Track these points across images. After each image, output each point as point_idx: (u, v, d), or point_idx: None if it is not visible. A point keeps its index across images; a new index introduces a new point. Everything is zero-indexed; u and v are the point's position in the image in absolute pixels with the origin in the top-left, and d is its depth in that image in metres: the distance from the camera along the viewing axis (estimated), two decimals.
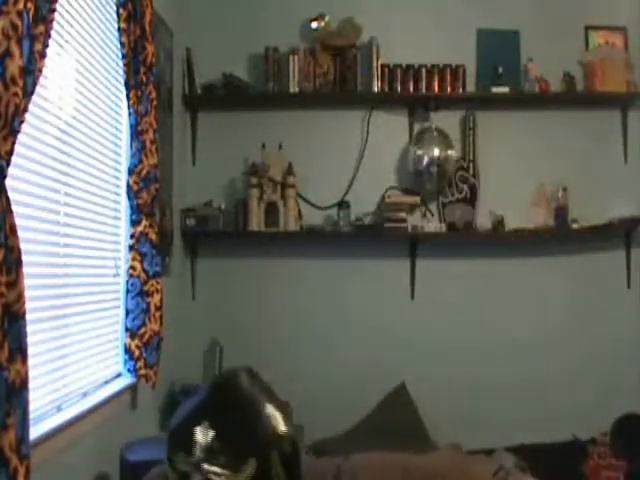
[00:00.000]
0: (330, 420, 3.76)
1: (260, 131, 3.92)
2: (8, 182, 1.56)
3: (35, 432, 1.82)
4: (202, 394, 1.35)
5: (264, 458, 0.95)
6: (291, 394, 3.27)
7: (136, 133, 2.70)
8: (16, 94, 1.52)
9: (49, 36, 1.71)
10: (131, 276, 2.74)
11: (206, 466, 0.91)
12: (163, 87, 3.34)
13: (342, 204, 3.88)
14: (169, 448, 1.24)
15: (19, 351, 1.54)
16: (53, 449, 1.97)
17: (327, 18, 3.93)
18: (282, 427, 1.10)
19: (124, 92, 2.67)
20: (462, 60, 3.95)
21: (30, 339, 1.61)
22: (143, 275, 2.75)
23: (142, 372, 2.76)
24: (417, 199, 3.92)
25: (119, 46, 2.63)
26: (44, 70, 1.70)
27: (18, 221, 1.58)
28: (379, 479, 2.21)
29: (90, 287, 2.51)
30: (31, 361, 1.61)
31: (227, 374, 1.40)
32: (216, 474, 0.91)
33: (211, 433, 1.01)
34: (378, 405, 3.85)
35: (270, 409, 1.16)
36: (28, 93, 1.60)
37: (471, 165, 3.99)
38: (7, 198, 1.54)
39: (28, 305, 1.59)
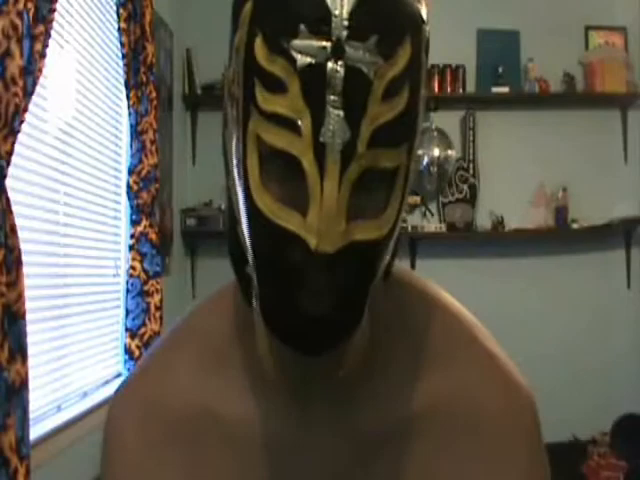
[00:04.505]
0: None
1: None
2: (8, 182, 1.56)
3: (35, 432, 1.82)
4: None
5: (418, 38, 0.61)
6: None
7: (136, 133, 2.70)
8: (16, 94, 1.52)
9: (49, 36, 1.71)
10: (131, 276, 2.74)
11: (349, 50, 0.56)
12: (163, 87, 3.34)
13: None
14: None
15: (19, 351, 1.54)
16: (53, 449, 1.97)
17: None
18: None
19: (124, 92, 2.67)
20: (462, 60, 3.94)
21: (30, 339, 1.60)
22: (143, 275, 2.75)
23: None
24: (417, 199, 3.92)
25: (119, 46, 2.63)
26: (44, 70, 1.71)
27: (18, 221, 1.59)
28: None
29: (90, 287, 2.51)
30: (31, 361, 1.61)
31: None
32: (362, 61, 0.57)
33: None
34: None
35: None
36: (28, 93, 1.60)
37: (471, 165, 3.99)
38: (7, 198, 1.54)
39: (28, 305, 1.59)
